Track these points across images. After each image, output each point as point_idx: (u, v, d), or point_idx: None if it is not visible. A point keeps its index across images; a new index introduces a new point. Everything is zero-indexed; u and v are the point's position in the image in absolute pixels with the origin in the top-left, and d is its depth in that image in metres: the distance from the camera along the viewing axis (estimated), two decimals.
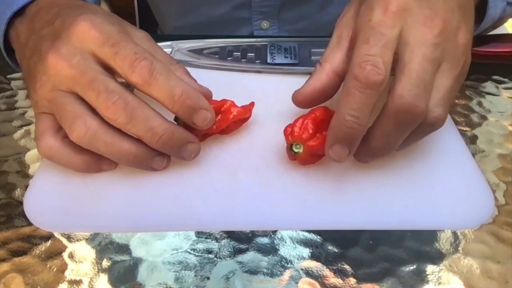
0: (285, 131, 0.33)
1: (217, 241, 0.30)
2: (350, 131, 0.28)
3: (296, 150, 0.32)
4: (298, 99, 0.34)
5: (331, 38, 0.34)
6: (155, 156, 0.32)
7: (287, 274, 0.28)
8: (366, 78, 0.27)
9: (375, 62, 0.27)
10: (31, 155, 0.37)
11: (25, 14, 0.36)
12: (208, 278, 0.28)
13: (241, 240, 0.30)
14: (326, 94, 0.33)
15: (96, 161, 0.32)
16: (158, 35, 0.66)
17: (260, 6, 0.58)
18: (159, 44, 0.36)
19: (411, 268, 0.29)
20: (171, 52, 0.45)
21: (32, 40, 0.33)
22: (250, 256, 0.29)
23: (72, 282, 0.28)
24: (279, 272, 0.28)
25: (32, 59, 0.32)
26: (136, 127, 0.29)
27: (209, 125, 0.32)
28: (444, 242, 0.30)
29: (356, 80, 0.28)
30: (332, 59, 0.33)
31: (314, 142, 0.32)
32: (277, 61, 0.44)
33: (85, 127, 0.29)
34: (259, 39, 0.47)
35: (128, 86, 0.31)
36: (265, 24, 0.59)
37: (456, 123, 0.39)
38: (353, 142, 0.29)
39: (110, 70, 0.31)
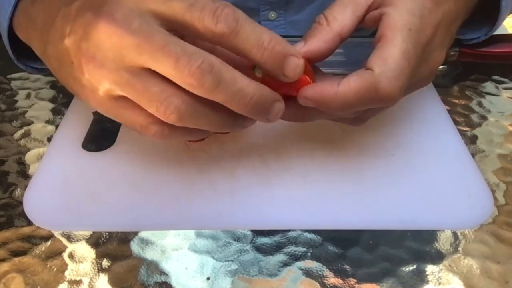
0: None
1: (216, 241, 0.30)
2: None
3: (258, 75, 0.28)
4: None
5: None
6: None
7: (287, 274, 0.28)
8: None
9: None
10: (31, 155, 0.37)
11: None
12: (208, 278, 0.28)
13: (241, 240, 0.30)
14: (323, 58, 0.31)
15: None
16: None
17: None
18: None
19: (411, 268, 0.29)
20: None
21: (60, 19, 0.28)
22: (250, 256, 0.29)
23: (72, 282, 0.28)
24: (279, 272, 0.28)
25: (66, 41, 0.27)
26: (224, 90, 0.25)
27: (299, 75, 0.28)
28: (444, 242, 0.30)
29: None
30: (343, 21, 0.30)
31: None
32: None
33: (184, 104, 0.26)
34: None
35: None
36: (272, 15, 0.59)
37: (456, 123, 0.39)
38: None
39: (175, 33, 0.26)
